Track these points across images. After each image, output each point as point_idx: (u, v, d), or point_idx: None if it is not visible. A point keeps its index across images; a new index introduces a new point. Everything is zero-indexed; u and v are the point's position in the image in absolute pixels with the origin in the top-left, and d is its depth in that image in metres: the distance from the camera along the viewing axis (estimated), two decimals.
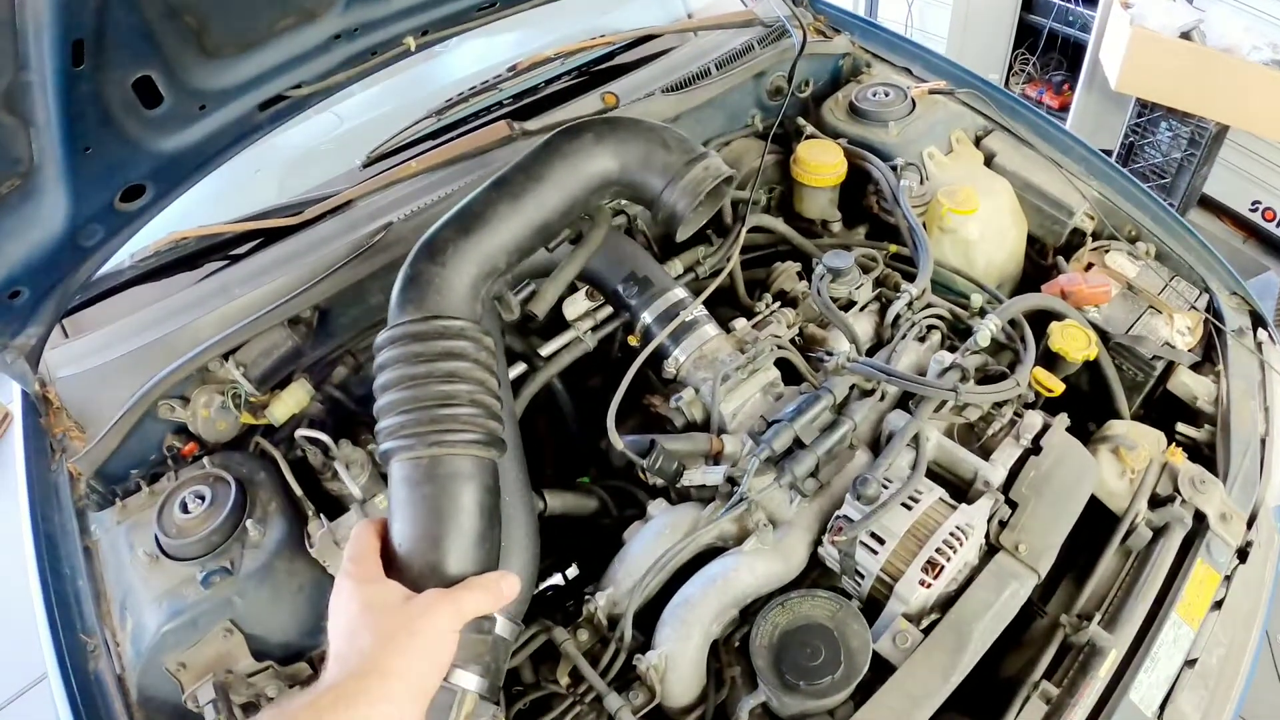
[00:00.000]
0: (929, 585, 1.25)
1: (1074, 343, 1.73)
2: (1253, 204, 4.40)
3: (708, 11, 2.62)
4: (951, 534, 1.28)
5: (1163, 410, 1.89)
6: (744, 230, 1.88)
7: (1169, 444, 1.71)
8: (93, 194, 1.49)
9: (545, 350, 1.73)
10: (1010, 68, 5.18)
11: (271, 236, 1.94)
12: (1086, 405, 1.80)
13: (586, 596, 1.42)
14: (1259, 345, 1.93)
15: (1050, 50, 5.03)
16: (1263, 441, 1.76)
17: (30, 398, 1.73)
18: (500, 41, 2.46)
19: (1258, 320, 2.00)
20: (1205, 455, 1.76)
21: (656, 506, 1.51)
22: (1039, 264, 2.17)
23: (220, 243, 1.94)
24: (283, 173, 2.26)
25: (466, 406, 1.19)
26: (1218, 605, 1.53)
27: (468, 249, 1.38)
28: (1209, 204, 4.54)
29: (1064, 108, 4.86)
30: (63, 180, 1.39)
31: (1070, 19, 4.84)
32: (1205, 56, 3.82)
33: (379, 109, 2.38)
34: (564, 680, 1.37)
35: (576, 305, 1.74)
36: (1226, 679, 1.48)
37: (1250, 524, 1.64)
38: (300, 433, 1.60)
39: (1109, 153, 4.37)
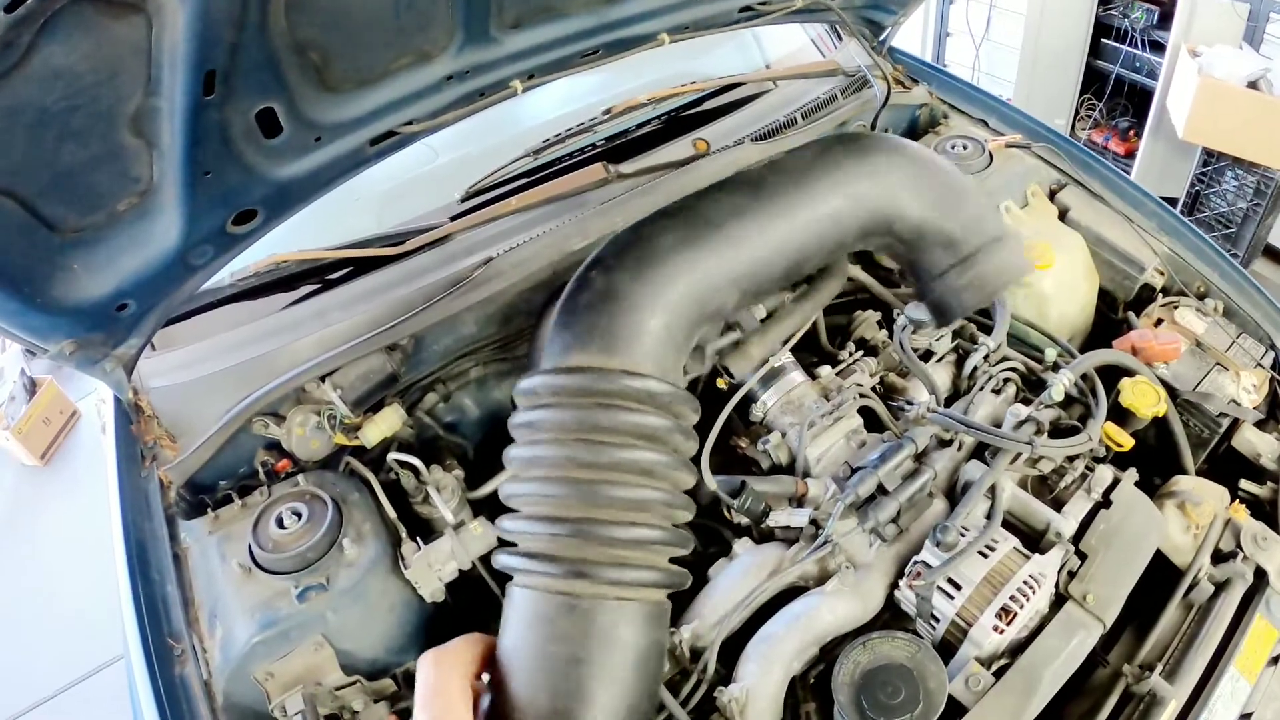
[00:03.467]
0: (1002, 631, 1.31)
1: (1144, 399, 1.78)
2: None
3: (787, 59, 2.69)
4: (1025, 583, 1.35)
5: (1227, 466, 1.90)
6: (827, 288, 1.95)
7: (1232, 500, 1.74)
8: (207, 216, 1.56)
9: None
10: (1076, 113, 5.21)
11: (368, 265, 2.00)
12: (1153, 460, 1.84)
13: (671, 630, 1.43)
14: None
15: (1117, 96, 5.07)
16: None
17: (123, 405, 1.79)
18: (588, 82, 2.54)
19: None
20: (1267, 512, 1.78)
21: (742, 545, 1.56)
22: (1109, 318, 2.22)
23: (319, 268, 2.01)
24: (379, 202, 2.34)
25: (655, 527, 1.02)
26: (1275, 660, 1.55)
27: (688, 269, 1.21)
28: (1274, 254, 4.55)
29: (1130, 154, 4.88)
30: (180, 202, 1.46)
31: (1138, 65, 4.87)
32: (1272, 107, 3.86)
33: (473, 144, 2.45)
34: None
35: None
36: None
37: None
38: (393, 456, 1.67)
39: (1174, 201, 4.39)
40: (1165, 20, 4.56)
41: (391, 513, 1.63)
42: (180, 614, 1.54)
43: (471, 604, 1.70)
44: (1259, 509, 1.79)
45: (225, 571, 1.56)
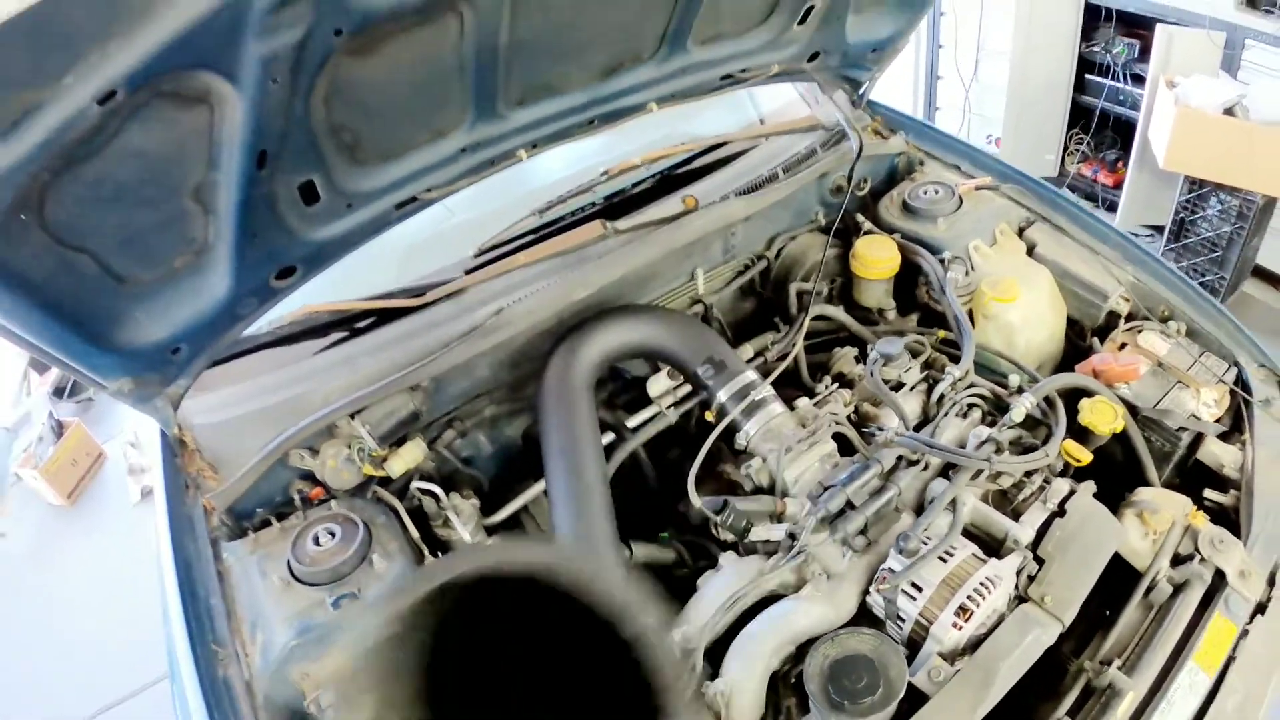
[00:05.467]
0: (960, 628, 1.46)
1: (1102, 417, 1.93)
2: None
3: (778, 113, 2.87)
4: (981, 584, 1.50)
5: (1194, 478, 2.03)
6: (808, 319, 2.13)
7: (1196, 509, 1.87)
8: (253, 273, 1.75)
9: (632, 423, 1.99)
10: (1065, 147, 5.37)
11: (392, 315, 2.17)
12: (1119, 474, 1.98)
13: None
14: None
15: (1103, 129, 5.22)
16: None
17: (169, 440, 1.92)
18: (588, 145, 2.73)
19: None
20: (1231, 519, 1.90)
21: (727, 558, 1.72)
22: (1077, 344, 2.36)
23: (347, 318, 2.17)
24: (401, 258, 2.50)
25: None
26: (1234, 656, 1.67)
27: None
28: (1263, 274, 4.66)
29: (1118, 185, 5.03)
30: (230, 260, 1.67)
31: (1121, 98, 5.02)
32: (1248, 131, 3.97)
33: (484, 205, 2.62)
34: None
35: (659, 384, 2.01)
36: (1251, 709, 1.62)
37: (1271, 582, 1.78)
38: (416, 484, 1.85)
39: (1161, 229, 4.54)
40: (1146, 53, 4.71)
41: (415, 534, 1.79)
42: (224, 624, 1.67)
43: None
44: (1223, 517, 1.91)
45: (265, 585, 1.70)
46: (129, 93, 1.25)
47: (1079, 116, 5.35)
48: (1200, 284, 3.55)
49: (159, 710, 2.45)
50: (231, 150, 1.49)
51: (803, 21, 2.22)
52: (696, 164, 2.55)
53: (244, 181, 1.59)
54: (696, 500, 1.71)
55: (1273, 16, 4.25)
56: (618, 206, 2.40)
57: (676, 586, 1.79)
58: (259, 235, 1.72)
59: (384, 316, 2.17)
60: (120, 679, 3.20)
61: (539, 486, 1.92)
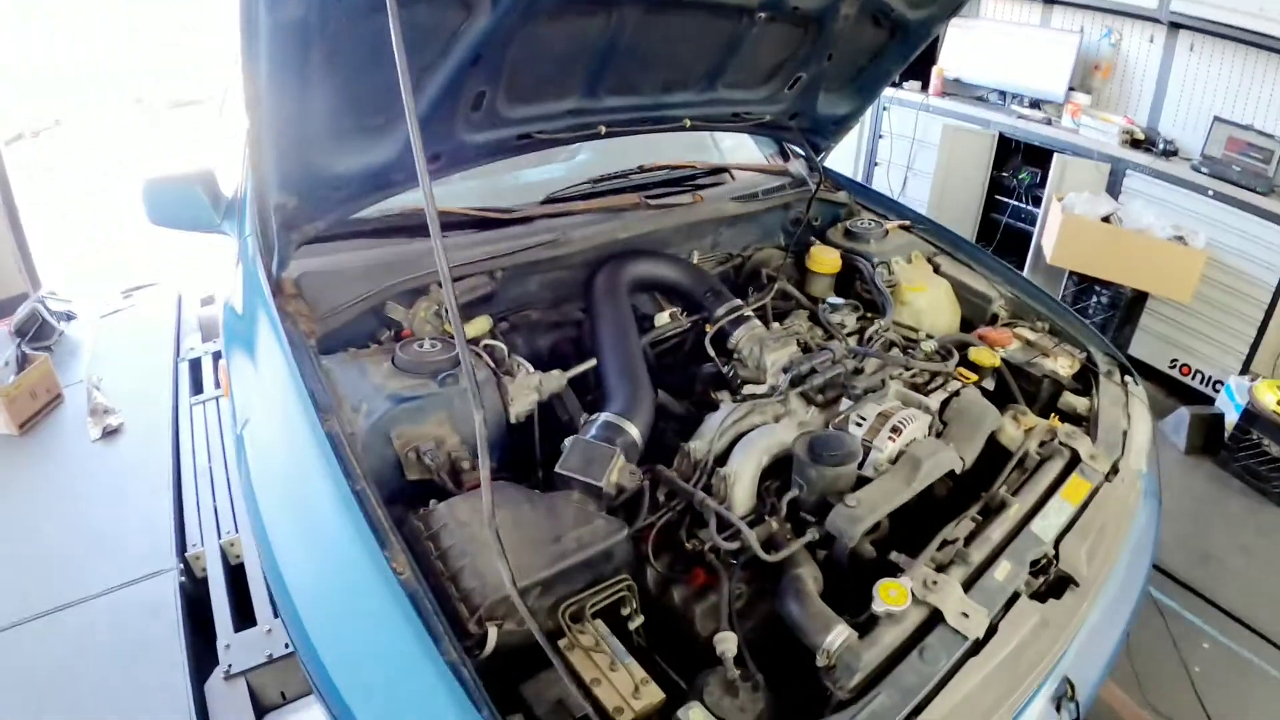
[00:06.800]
0: (894, 440, 2.08)
1: (984, 357, 2.67)
2: (1171, 361, 5.32)
3: (732, 154, 3.72)
4: (906, 414, 2.15)
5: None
6: (774, 287, 2.85)
7: (1054, 416, 2.52)
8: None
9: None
10: None
11: (479, 224, 2.64)
12: (997, 405, 2.51)
13: (683, 444, 2.07)
14: (1124, 381, 2.73)
15: (1006, 241, 6.11)
16: (1124, 433, 2.45)
17: (271, 280, 2.15)
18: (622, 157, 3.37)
19: (1125, 370, 2.81)
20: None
21: (724, 401, 2.27)
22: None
23: (447, 222, 2.57)
24: (492, 197, 2.89)
25: None
26: (1090, 499, 2.15)
27: None
28: (1138, 367, 5.37)
29: None
30: (404, 135, 2.06)
31: (1023, 216, 5.97)
32: (1120, 235, 4.84)
33: (548, 175, 3.29)
34: (661, 496, 1.97)
35: (662, 318, 2.65)
36: (1110, 534, 2.07)
37: (1114, 469, 2.27)
38: (485, 342, 2.22)
39: None
40: (1045, 179, 5.65)
41: (492, 365, 2.14)
42: (328, 398, 1.85)
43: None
44: None
45: (372, 373, 1.99)
46: None
47: (987, 231, 6.25)
48: None
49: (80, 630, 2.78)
50: (463, 46, 1.87)
51: (791, 87, 3.02)
52: (701, 180, 3.32)
53: (454, 71, 1.99)
54: (712, 352, 2.42)
55: (1150, 154, 5.22)
56: (648, 189, 3.09)
57: (685, 427, 2.25)
58: (433, 121, 2.12)
59: (472, 225, 2.64)
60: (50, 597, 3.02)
61: (587, 364, 2.32)
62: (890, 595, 1.68)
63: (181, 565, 3.02)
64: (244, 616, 2.76)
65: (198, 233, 2.72)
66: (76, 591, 2.96)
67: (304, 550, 1.70)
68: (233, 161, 2.86)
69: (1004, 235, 6.14)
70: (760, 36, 2.63)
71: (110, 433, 3.96)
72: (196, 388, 4.34)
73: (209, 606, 2.83)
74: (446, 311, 2.21)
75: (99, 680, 2.61)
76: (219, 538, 3.12)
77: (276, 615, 2.60)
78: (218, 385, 4.26)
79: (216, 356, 4.54)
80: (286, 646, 2.57)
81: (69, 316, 5.22)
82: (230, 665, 2.56)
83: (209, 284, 5.51)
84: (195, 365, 4.56)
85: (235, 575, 2.97)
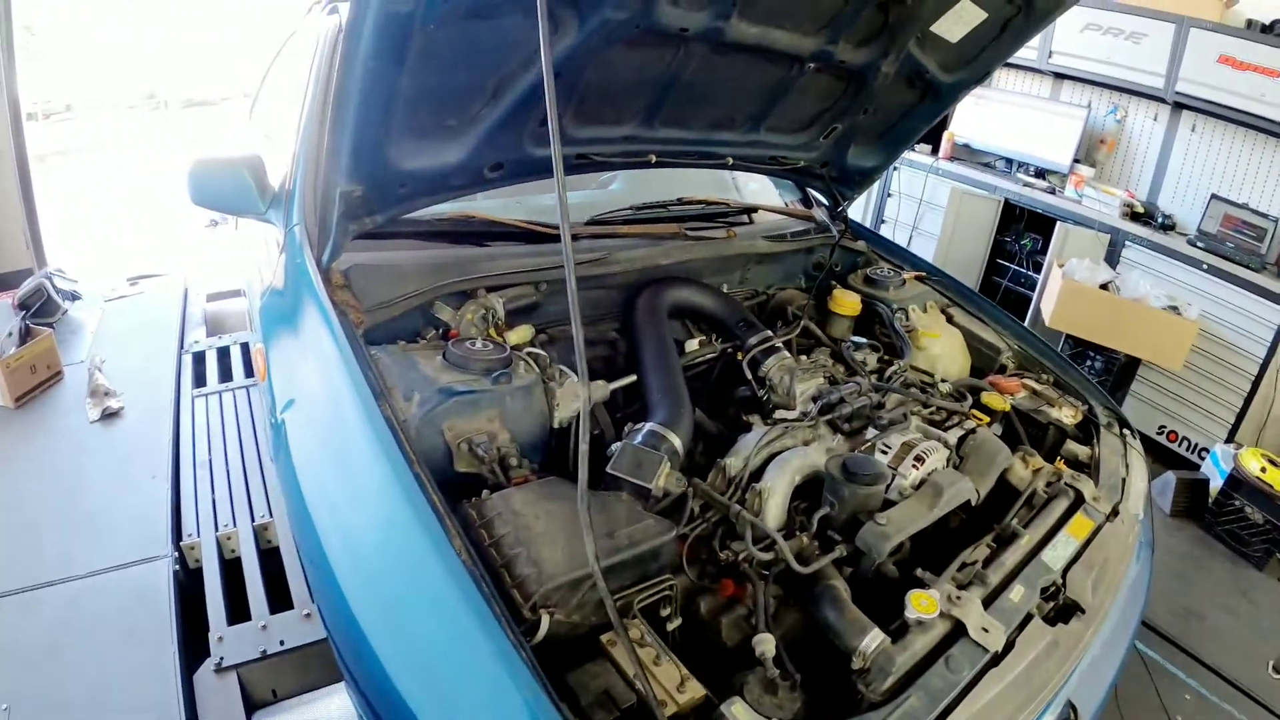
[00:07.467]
0: (917, 468, 2.22)
1: (996, 401, 2.83)
2: (1160, 428, 5.53)
3: (754, 196, 3.89)
4: (928, 444, 2.30)
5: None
6: (801, 323, 3.01)
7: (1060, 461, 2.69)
8: (480, 156, 2.24)
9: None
10: None
11: (529, 238, 2.72)
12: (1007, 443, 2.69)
13: (719, 460, 2.19)
14: (1123, 434, 2.91)
15: (1005, 304, 6.20)
16: (1123, 480, 2.60)
17: (323, 271, 2.20)
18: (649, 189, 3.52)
19: (1124, 424, 2.99)
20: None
21: (756, 421, 2.40)
22: None
23: (495, 230, 2.71)
24: (538, 213, 2.95)
25: None
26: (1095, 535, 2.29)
27: None
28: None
29: None
30: (476, 138, 2.19)
31: (1023, 281, 6.18)
32: (1117, 303, 5.04)
33: (595, 201, 3.40)
34: (697, 506, 2.04)
35: (693, 344, 2.80)
36: (1111, 568, 2.20)
37: (1115, 512, 2.40)
38: (528, 350, 2.28)
39: None
40: (1047, 246, 5.88)
41: (538, 370, 2.21)
42: (378, 386, 1.89)
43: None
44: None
45: (423, 366, 2.05)
46: None
47: (988, 293, 6.27)
48: None
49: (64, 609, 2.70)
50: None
51: (826, 136, 3.22)
52: (731, 217, 3.47)
53: (531, 85, 2.06)
54: (750, 375, 2.58)
55: (1149, 227, 5.45)
56: (686, 219, 3.23)
57: (715, 447, 2.37)
58: (503, 130, 2.21)
59: (519, 237, 2.73)
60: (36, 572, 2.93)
61: (628, 379, 2.42)
62: (921, 604, 1.81)
63: (176, 554, 2.95)
64: (237, 612, 2.73)
65: (238, 216, 2.80)
66: (65, 569, 2.89)
67: (356, 533, 1.73)
68: (280, 153, 2.92)
69: (1004, 298, 6.35)
70: (806, 86, 2.81)
71: (109, 415, 3.89)
72: (199, 380, 4.30)
73: (202, 598, 2.78)
74: (491, 317, 2.34)
75: (83, 659, 2.56)
76: (216, 530, 3.09)
77: (274, 613, 2.65)
78: (221, 380, 4.27)
79: (221, 352, 4.55)
80: (282, 644, 2.55)
81: (74, 296, 5.11)
82: (222, 658, 2.51)
83: (215, 280, 5.64)
84: (199, 358, 4.52)
85: (230, 570, 2.93)
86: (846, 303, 3.24)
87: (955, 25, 2.83)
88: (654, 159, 2.78)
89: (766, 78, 2.74)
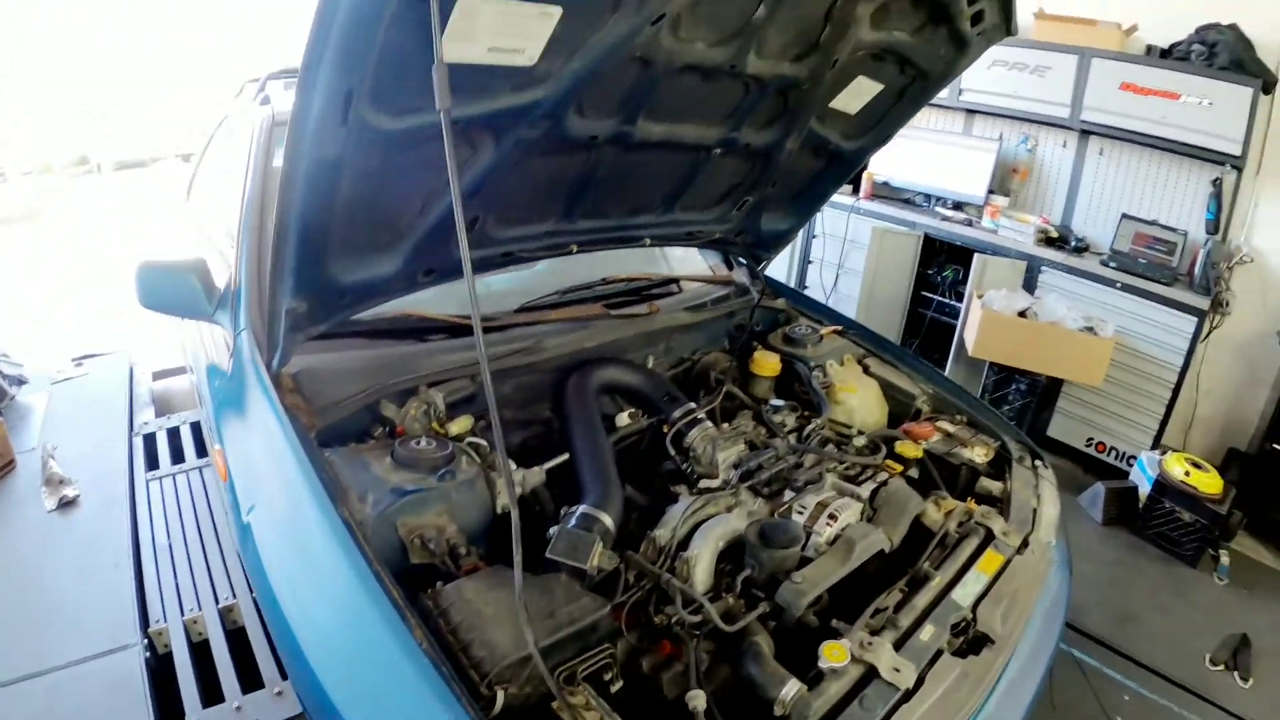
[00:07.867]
0: (831, 525, 2.40)
1: (909, 449, 3.04)
2: (1088, 440, 5.77)
3: (680, 263, 4.10)
4: (841, 502, 2.49)
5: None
6: (724, 389, 3.20)
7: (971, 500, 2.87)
8: (413, 263, 2.38)
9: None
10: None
11: (459, 331, 2.83)
12: (921, 491, 2.86)
13: (648, 532, 2.31)
14: (1034, 465, 3.12)
15: (931, 335, 6.57)
16: (1034, 510, 2.77)
17: (273, 375, 2.31)
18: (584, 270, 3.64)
19: (1035, 455, 3.19)
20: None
21: (683, 495, 2.52)
22: None
23: (430, 325, 2.83)
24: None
25: None
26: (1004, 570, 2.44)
27: None
28: (1056, 447, 5.82)
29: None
30: (408, 249, 2.34)
31: (947, 311, 6.41)
32: (1035, 328, 5.27)
33: (522, 286, 3.48)
34: (630, 577, 2.17)
35: (623, 419, 2.95)
36: (1022, 598, 2.36)
37: (1025, 544, 2.56)
38: (469, 440, 2.41)
39: None
40: (968, 276, 6.06)
41: (477, 460, 2.35)
42: (334, 488, 2.01)
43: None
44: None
45: (374, 467, 2.19)
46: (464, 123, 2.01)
47: (914, 325, 6.62)
48: None
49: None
50: (467, 178, 2.08)
51: (739, 208, 3.42)
52: (654, 291, 3.66)
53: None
54: (673, 451, 2.75)
55: (1063, 251, 5.71)
56: (609, 298, 3.37)
57: (647, 519, 2.49)
58: (432, 239, 2.33)
59: (453, 332, 2.85)
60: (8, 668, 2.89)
61: (560, 459, 2.54)
62: (833, 654, 1.99)
63: (145, 641, 2.94)
64: (210, 695, 2.76)
65: (187, 319, 2.87)
66: (39, 663, 2.84)
67: (326, 627, 1.87)
68: (222, 256, 3.03)
69: (930, 329, 6.54)
70: (715, 168, 3.01)
71: (66, 504, 3.76)
72: (152, 463, 4.22)
73: (175, 683, 2.78)
74: (433, 412, 2.49)
75: None
76: (182, 615, 3.07)
77: (245, 693, 2.72)
78: (174, 461, 4.24)
79: (171, 433, 4.52)
80: None
81: (20, 381, 4.95)
82: None
83: (159, 356, 5.67)
84: (150, 440, 4.44)
85: (199, 652, 2.96)
86: (766, 364, 3.44)
87: (853, 99, 3.05)
88: (575, 249, 2.95)
89: (677, 165, 2.93)
